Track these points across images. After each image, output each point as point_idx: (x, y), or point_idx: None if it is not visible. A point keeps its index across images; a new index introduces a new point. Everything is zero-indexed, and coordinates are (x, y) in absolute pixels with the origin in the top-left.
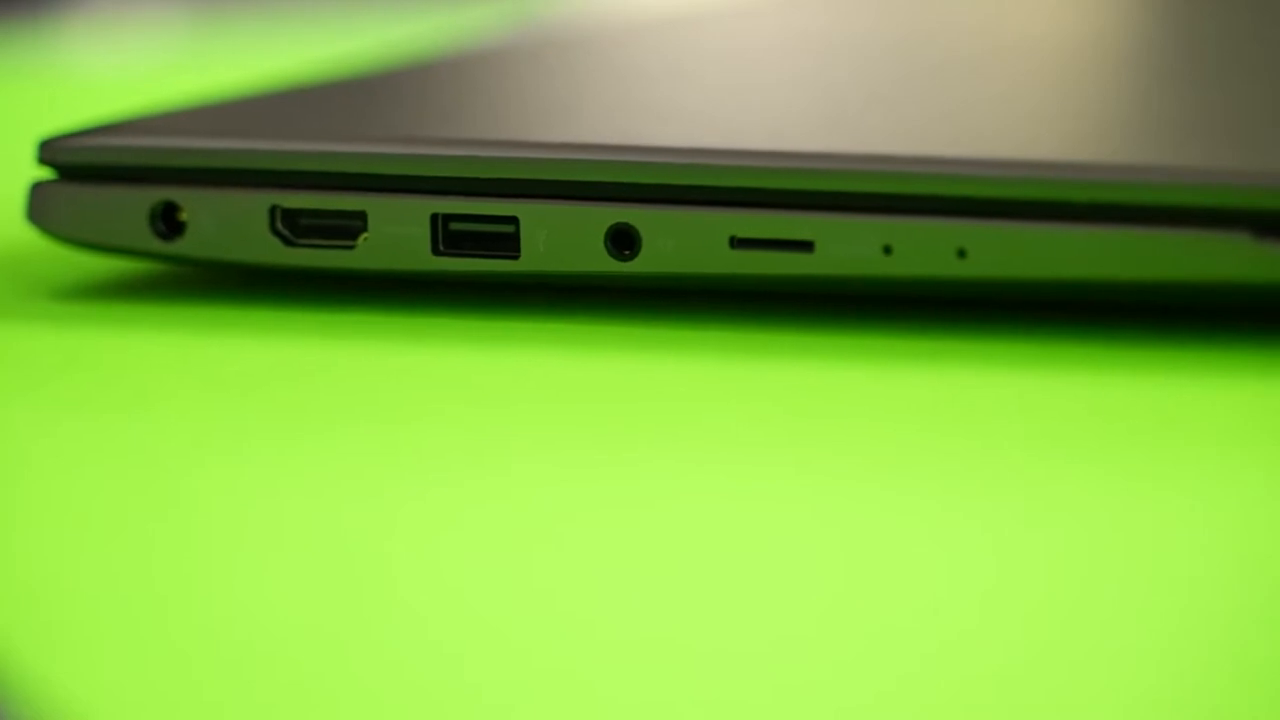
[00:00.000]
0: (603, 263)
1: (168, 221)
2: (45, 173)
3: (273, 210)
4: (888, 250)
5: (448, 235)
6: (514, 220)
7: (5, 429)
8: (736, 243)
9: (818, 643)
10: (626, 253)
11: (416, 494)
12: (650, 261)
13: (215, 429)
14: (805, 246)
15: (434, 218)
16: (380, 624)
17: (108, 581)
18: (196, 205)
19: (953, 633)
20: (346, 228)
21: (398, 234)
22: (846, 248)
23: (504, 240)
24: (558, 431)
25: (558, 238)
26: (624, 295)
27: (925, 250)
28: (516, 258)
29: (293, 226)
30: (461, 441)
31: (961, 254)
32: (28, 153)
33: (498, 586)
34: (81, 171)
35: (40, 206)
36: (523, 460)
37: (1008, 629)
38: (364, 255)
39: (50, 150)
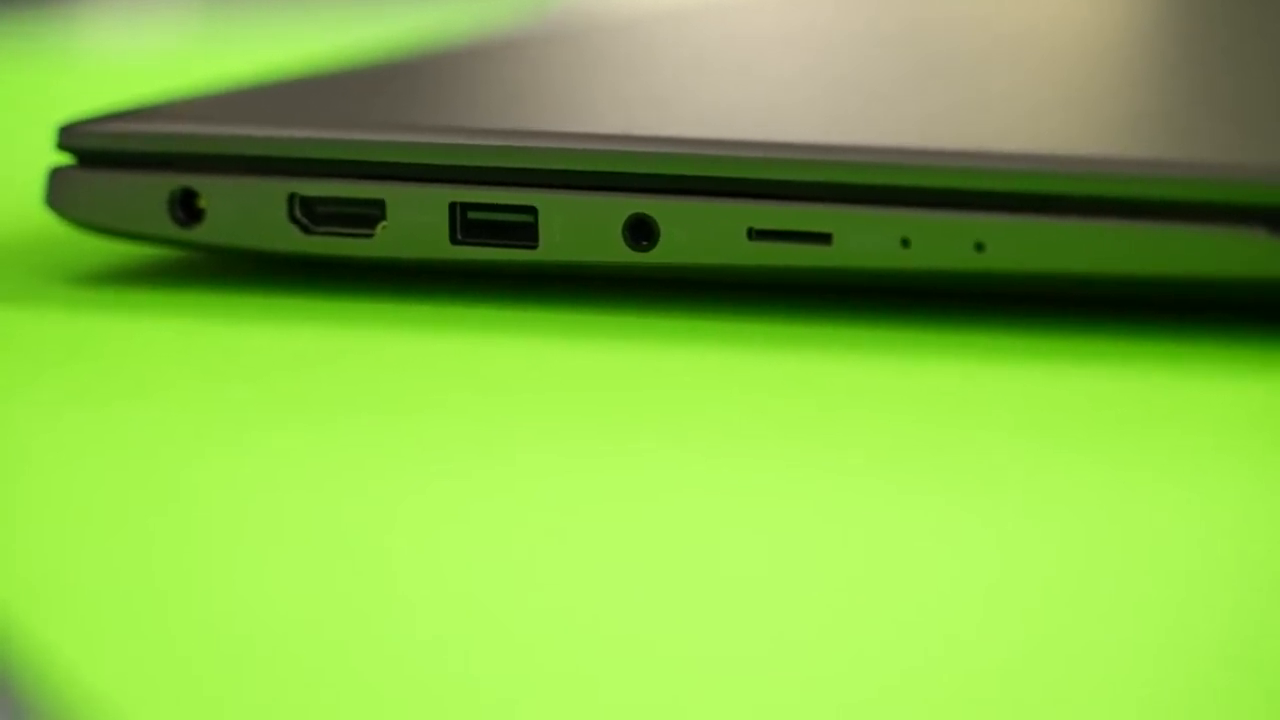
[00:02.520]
0: (620, 253)
1: (186, 208)
2: (64, 158)
3: (291, 198)
4: (906, 243)
5: (466, 224)
6: (532, 210)
7: (19, 413)
8: (754, 234)
9: (825, 635)
10: (644, 243)
11: (428, 483)
12: (668, 252)
13: (226, 416)
14: (823, 239)
15: (452, 207)
16: (382, 614)
17: (109, 568)
18: (215, 192)
19: (957, 623)
20: (365, 216)
21: (416, 223)
22: (865, 240)
23: (522, 230)
24: (573, 421)
25: (575, 228)
26: (641, 286)
27: (943, 243)
28: (534, 247)
29: (311, 214)
30: (476, 431)
31: (979, 247)
32: (47, 138)
33: (501, 577)
34: (101, 157)
35: (59, 192)
36: (537, 450)
37: (1014, 620)
38: (382, 244)
39: (70, 136)
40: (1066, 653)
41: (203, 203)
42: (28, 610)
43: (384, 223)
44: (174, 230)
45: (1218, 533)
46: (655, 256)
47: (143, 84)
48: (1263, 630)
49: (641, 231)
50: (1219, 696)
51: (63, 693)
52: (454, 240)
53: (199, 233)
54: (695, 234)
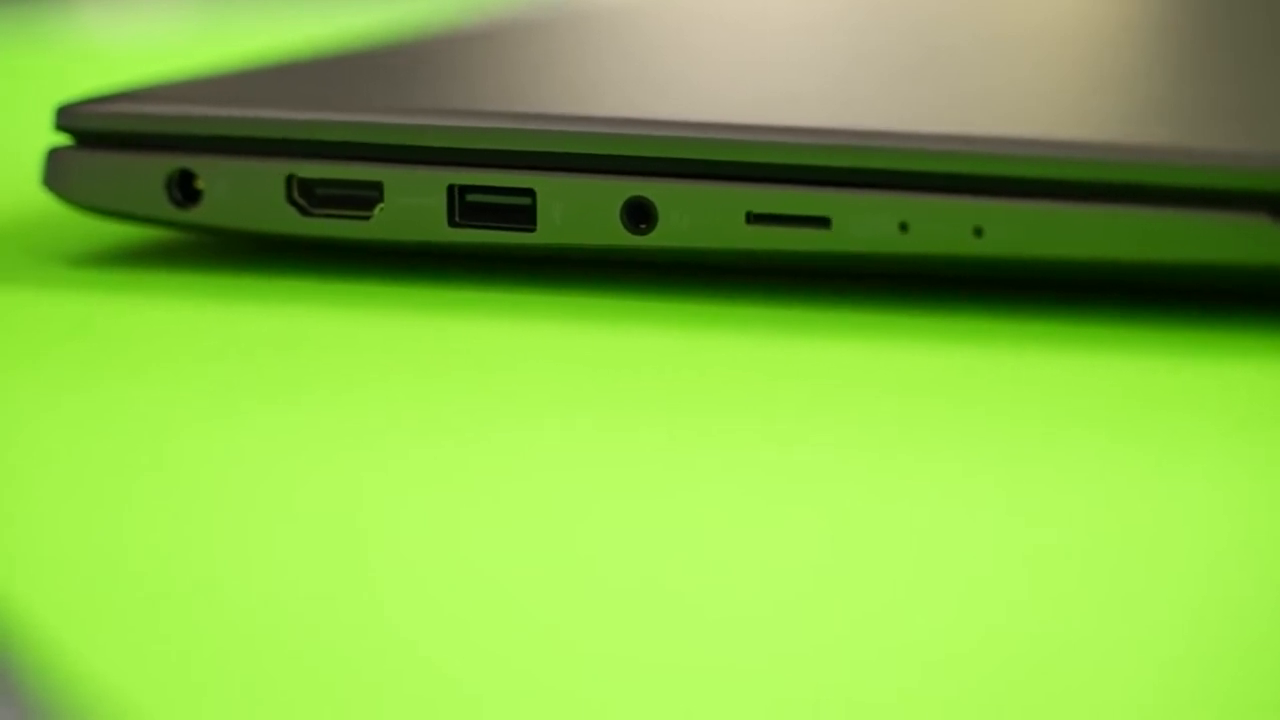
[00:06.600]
0: (618, 236)
1: (184, 189)
2: (62, 139)
3: (289, 179)
4: (904, 227)
5: (464, 207)
6: (530, 192)
7: (15, 394)
8: (753, 218)
9: (823, 626)
10: (642, 226)
11: (424, 463)
12: (666, 235)
13: (224, 397)
14: (822, 223)
15: (450, 189)
16: (373, 593)
17: (105, 547)
18: (213, 173)
19: (958, 605)
20: (363, 198)
21: (414, 205)
22: (863, 224)
23: (520, 212)
24: (571, 403)
25: (574, 210)
26: (639, 269)
27: (942, 228)
28: (532, 230)
29: (309, 196)
30: (473, 412)
31: (978, 232)
32: (46, 119)
33: (495, 556)
34: (99, 138)
35: (57, 172)
36: (534, 431)
37: (1009, 606)
38: (380, 226)
39: (68, 116)
40: (1064, 639)
41: (200, 184)
42: (24, 588)
43: (382, 205)
44: (172, 211)
45: (1220, 516)
46: (653, 240)
47: (145, 67)
48: (1267, 612)
49: (640, 214)
50: (1221, 677)
51: (54, 666)
52: (452, 223)
53: (197, 214)
54: (694, 217)
